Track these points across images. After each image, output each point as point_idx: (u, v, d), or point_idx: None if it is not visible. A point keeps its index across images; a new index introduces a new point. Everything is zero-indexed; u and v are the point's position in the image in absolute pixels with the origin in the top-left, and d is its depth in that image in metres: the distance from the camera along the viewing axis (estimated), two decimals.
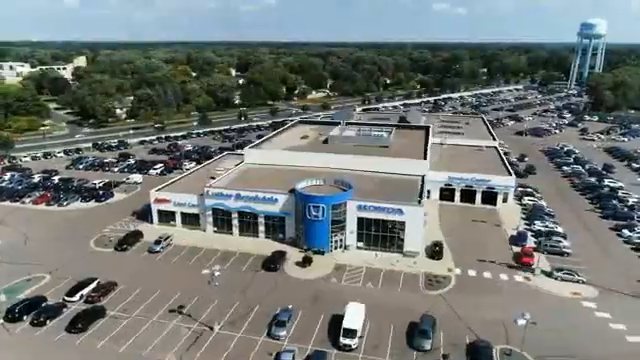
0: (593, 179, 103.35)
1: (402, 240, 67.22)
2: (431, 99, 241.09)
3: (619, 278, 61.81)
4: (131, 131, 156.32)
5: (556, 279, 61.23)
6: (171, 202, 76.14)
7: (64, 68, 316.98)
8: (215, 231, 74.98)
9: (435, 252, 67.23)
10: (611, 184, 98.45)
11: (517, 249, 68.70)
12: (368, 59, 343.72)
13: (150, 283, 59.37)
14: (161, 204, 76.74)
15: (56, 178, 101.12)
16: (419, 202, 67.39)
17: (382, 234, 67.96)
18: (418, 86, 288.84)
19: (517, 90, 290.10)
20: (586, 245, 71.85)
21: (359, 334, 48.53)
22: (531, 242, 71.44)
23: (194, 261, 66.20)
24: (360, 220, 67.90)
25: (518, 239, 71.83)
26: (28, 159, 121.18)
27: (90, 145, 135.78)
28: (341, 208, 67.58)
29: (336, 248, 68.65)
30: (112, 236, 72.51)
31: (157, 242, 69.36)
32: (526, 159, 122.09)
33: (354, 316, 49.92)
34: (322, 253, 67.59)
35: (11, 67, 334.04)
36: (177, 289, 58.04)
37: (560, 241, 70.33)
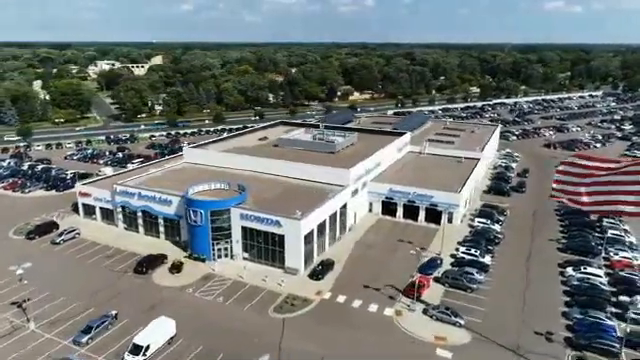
0: None
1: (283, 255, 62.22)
2: (479, 104, 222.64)
3: (513, 326, 51.19)
4: (142, 126, 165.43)
5: (431, 317, 52.37)
6: (91, 196, 78.25)
7: (142, 66, 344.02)
8: (125, 228, 75.62)
9: (317, 271, 61.21)
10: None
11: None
12: (431, 60, 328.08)
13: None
14: (84, 198, 79.17)
15: (40, 167, 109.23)
16: (301, 215, 61.39)
17: (265, 246, 63.42)
18: (475, 89, 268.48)
19: (591, 96, 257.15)
20: (507, 282, 60.62)
21: (150, 351, 45.43)
22: (439, 272, 62.06)
23: (82, 256, 67.15)
24: (244, 229, 63.98)
25: (427, 267, 62.84)
26: (41, 147, 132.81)
27: (104, 137, 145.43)
28: (224, 215, 64.21)
29: (220, 257, 65.45)
30: (33, 225, 76.26)
31: (60, 234, 71.66)
32: (527, 175, 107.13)
33: (152, 331, 46.84)
34: (203, 260, 64.84)
35: (95, 64, 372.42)
36: (42, 281, 59.12)
37: (471, 274, 60.03)
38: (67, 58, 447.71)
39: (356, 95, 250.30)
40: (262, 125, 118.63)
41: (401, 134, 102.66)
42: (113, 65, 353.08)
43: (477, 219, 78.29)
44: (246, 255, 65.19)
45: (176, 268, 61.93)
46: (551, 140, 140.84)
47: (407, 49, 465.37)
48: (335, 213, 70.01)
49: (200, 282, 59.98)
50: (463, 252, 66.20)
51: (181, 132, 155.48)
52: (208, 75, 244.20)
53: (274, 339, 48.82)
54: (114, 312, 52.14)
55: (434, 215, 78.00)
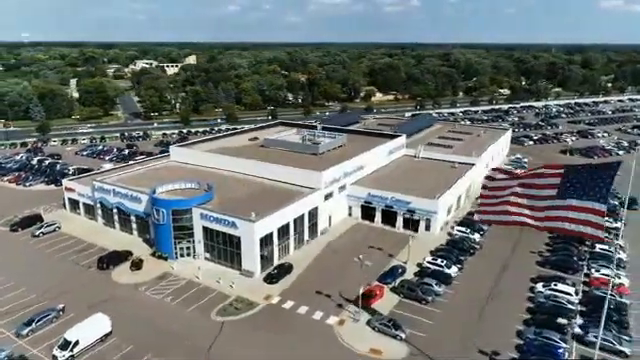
0: None
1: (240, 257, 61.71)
2: (505, 107, 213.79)
3: (458, 343, 48.37)
4: (155, 124, 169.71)
5: (373, 328, 50.34)
6: (75, 192, 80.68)
7: (175, 66, 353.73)
8: (104, 224, 77.48)
9: (272, 275, 60.34)
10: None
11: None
12: (463, 61, 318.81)
13: None
14: (70, 193, 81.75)
15: (47, 162, 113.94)
16: (256, 217, 60.51)
17: (224, 247, 63.12)
18: (506, 91, 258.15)
19: (631, 100, 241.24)
20: (470, 296, 57.46)
21: (79, 347, 46.06)
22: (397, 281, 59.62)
23: (55, 249, 69.15)
24: (205, 230, 63.96)
25: (387, 275, 60.56)
26: (57, 143, 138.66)
27: (118, 134, 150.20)
28: (186, 214, 64.42)
29: (182, 255, 65.75)
30: (19, 217, 79.46)
31: (40, 227, 74.30)
32: None
33: (84, 328, 47.46)
34: (165, 258, 65.34)
35: (135, 64, 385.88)
36: (10, 271, 61.42)
37: (429, 285, 57.29)
38: (110, 57, 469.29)
39: (379, 96, 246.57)
40: (260, 125, 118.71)
41: (395, 137, 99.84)
42: (150, 64, 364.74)
43: (457, 227, 74.86)
44: (207, 255, 65.18)
45: (135, 265, 62.69)
46: (568, 146, 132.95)
47: (447, 49, 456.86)
48: (302, 216, 68.79)
49: (155, 281, 60.41)
50: (429, 262, 63.34)
51: (192, 130, 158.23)
52: (232, 75, 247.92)
53: (207, 342, 48.38)
54: (61, 306, 53.36)
55: (412, 222, 75.28)
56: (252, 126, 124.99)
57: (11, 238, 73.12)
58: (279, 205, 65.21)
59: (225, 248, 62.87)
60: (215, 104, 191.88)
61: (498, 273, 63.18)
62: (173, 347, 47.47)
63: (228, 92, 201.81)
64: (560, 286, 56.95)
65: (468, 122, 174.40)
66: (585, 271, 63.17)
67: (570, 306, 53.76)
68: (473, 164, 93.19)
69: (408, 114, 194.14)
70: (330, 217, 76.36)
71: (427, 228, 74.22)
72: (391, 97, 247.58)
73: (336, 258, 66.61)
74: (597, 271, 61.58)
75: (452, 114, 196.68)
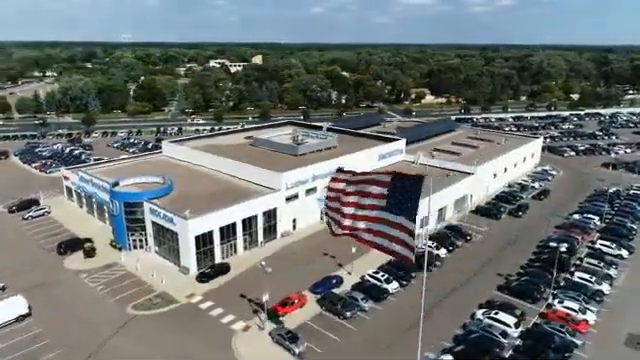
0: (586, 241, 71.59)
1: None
2: (565, 113, 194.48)
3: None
4: (189, 120, 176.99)
5: (272, 339, 47.97)
6: (70, 180, 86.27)
7: (239, 65, 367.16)
8: (87, 212, 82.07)
9: (205, 274, 60.00)
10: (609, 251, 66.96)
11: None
12: (536, 63, 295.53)
13: None
14: (66, 181, 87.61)
15: (76, 151, 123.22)
16: (191, 215, 60.21)
17: (169, 243, 63.89)
18: (575, 96, 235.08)
19: None
20: (398, 316, 52.86)
21: None
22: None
23: (34, 232, 74.44)
24: (154, 224, 65.19)
25: (319, 285, 57.53)
26: (98, 135, 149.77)
27: (155, 129, 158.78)
28: (138, 207, 66.10)
29: (135, 247, 67.58)
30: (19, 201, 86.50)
31: (30, 211, 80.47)
32: (542, 198, 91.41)
33: None
34: (120, 249, 67.60)
35: (208, 62, 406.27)
36: None
37: (354, 300, 53.47)
38: (190, 57, 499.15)
39: (430, 99, 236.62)
40: (270, 124, 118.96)
41: (391, 140, 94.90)
42: (221, 64, 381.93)
43: (423, 241, 69.18)
44: (157, 249, 66.46)
45: (87, 253, 65.51)
46: (612, 159, 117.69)
47: (533, 50, 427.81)
48: (255, 217, 67.65)
49: (99, 269, 62.64)
50: (369, 275, 59.18)
51: (224, 127, 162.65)
52: (286, 74, 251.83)
53: (107, 335, 49.15)
54: (1, 285, 57.25)
55: None
56: (270, 124, 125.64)
57: (4, 219, 79.99)
58: (228, 203, 64.76)
59: (169, 243, 63.67)
60: (255, 102, 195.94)
61: (445, 294, 57.36)
62: (75, 336, 48.79)
63: (271, 91, 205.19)
64: (501, 315, 50.34)
65: (514, 128, 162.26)
66: (550, 301, 55.27)
67: (502, 339, 47.26)
68: (471, 174, 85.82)
69: (452, 118, 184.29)
70: (295, 220, 74.35)
71: None
72: (444, 100, 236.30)
73: (281, 262, 64.46)
74: (560, 302, 53.58)
75: (501, 119, 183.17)
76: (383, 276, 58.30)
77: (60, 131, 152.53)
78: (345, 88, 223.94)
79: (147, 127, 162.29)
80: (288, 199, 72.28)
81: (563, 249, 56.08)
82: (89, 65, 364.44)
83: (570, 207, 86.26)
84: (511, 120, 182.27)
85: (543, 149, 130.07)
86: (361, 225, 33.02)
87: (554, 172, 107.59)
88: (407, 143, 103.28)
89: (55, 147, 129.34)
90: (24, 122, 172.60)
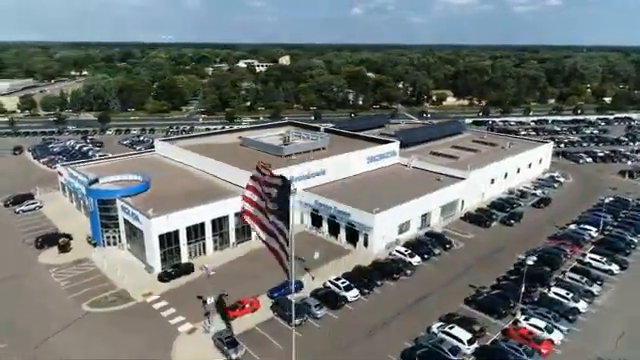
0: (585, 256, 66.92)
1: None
2: (593, 117, 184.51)
3: None
4: (200, 119, 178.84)
5: (214, 342, 46.99)
6: (63, 176, 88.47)
7: (265, 65, 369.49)
8: (76, 207, 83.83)
9: (166, 274, 59.81)
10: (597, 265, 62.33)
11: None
12: (569, 65, 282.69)
13: None
14: (60, 177, 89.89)
15: (85, 148, 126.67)
16: (154, 213, 60.03)
17: (139, 241, 64.08)
18: (607, 99, 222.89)
19: None
20: (352, 325, 50.95)
21: None
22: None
23: (21, 225, 76.50)
24: (125, 221, 65.70)
25: (276, 289, 56.07)
26: (112, 132, 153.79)
27: (167, 127, 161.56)
28: (111, 205, 66.78)
29: (109, 244, 68.30)
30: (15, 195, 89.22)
31: (22, 205, 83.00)
32: (541, 206, 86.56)
33: None
34: (94, 245, 68.53)
35: (233, 64, 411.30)
36: None
37: (307, 306, 51.78)
38: (222, 57, 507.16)
39: (451, 100, 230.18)
40: (270, 124, 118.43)
41: (385, 142, 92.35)
42: (250, 64, 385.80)
43: (398, 247, 66.59)
44: (129, 246, 66.93)
45: (61, 248, 66.69)
46: (629, 166, 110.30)
47: (576, 52, 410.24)
48: (226, 217, 67.03)
49: (69, 265, 63.57)
50: (330, 281, 57.31)
51: (234, 127, 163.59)
52: (308, 75, 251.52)
53: (57, 329, 49.59)
54: None
55: (353, 235, 68.94)
56: (271, 123, 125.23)
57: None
58: (196, 203, 64.47)
59: (139, 241, 63.92)
60: (269, 103, 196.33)
61: (409, 303, 54.86)
62: (23, 330, 49.49)
63: (287, 91, 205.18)
64: (456, 330, 47.46)
65: (532, 132, 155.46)
66: (524, 316, 51.58)
67: (451, 356, 44.46)
68: (463, 178, 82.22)
69: (468, 120, 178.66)
70: None
71: (365, 244, 67.37)
72: (466, 102, 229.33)
73: (251, 265, 63.60)
74: (526, 319, 50.06)
75: (521, 123, 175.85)
76: (343, 283, 56.32)
77: (76, 128, 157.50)
78: (363, 88, 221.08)
79: (162, 126, 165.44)
80: None
81: (530, 262, 52.21)
82: (121, 65, 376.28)
83: (570, 217, 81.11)
84: (532, 124, 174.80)
85: (557, 154, 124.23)
86: (260, 226, 32.48)
87: (562, 179, 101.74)
88: (406, 145, 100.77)
89: (67, 144, 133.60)
90: (47, 119, 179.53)
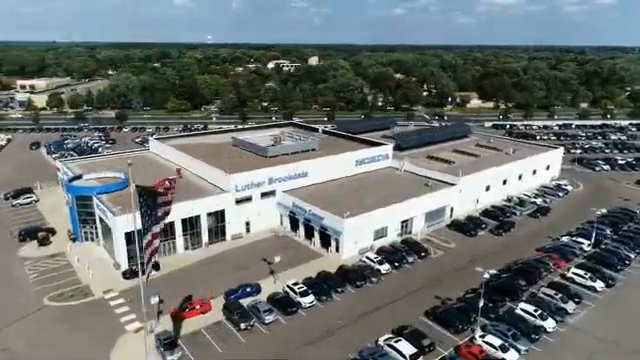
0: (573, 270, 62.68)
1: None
2: (624, 122, 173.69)
3: None
4: (214, 118, 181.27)
5: (155, 342, 46.83)
6: (61, 171, 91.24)
7: (291, 65, 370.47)
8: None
9: (130, 271, 60.30)
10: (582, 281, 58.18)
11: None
12: (607, 67, 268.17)
13: None
14: (59, 172, 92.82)
15: (96, 145, 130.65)
16: (120, 211, 60.56)
17: (110, 237, 65.05)
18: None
19: None
20: (298, 330, 49.55)
21: None
22: None
23: (13, 219, 79.48)
24: (101, 218, 66.83)
25: (232, 292, 55.41)
26: (128, 130, 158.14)
27: (182, 126, 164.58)
28: (89, 201, 68.09)
29: (87, 239, 69.77)
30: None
31: (19, 199, 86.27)
32: (537, 215, 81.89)
33: None
34: (74, 240, 70.13)
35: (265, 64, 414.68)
36: None
37: (255, 310, 50.79)
38: (255, 57, 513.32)
39: (476, 102, 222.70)
40: (273, 123, 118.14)
41: (377, 144, 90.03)
42: (280, 64, 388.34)
43: (368, 253, 64.48)
44: (104, 243, 68.08)
45: (40, 242, 68.62)
46: None
47: (626, 52, 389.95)
48: (198, 217, 66.98)
49: (45, 258, 65.29)
50: (289, 286, 56.03)
51: (246, 126, 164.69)
52: (331, 75, 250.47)
53: (9, 322, 50.79)
54: None
55: (328, 240, 67.38)
56: (273, 123, 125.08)
57: None
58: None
59: (111, 238, 64.86)
60: (286, 103, 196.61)
61: (367, 312, 52.89)
62: None
63: (304, 92, 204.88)
64: (401, 344, 45.19)
65: (553, 137, 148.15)
66: (480, 332, 48.70)
67: None
68: (453, 184, 78.96)
69: (488, 124, 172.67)
70: (248, 223, 72.70)
71: (337, 249, 65.70)
72: (491, 104, 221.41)
73: (215, 266, 63.41)
74: (481, 337, 47.13)
75: (545, 127, 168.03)
76: (300, 288, 54.95)
77: (95, 125, 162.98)
78: (383, 89, 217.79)
79: (177, 124, 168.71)
80: (239, 201, 70.80)
81: (486, 276, 48.97)
82: (149, 65, 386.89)
83: (567, 228, 76.36)
84: (556, 128, 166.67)
85: (573, 161, 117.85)
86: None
87: (569, 187, 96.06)
88: (403, 149, 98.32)
89: (82, 140, 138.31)
90: (71, 117, 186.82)
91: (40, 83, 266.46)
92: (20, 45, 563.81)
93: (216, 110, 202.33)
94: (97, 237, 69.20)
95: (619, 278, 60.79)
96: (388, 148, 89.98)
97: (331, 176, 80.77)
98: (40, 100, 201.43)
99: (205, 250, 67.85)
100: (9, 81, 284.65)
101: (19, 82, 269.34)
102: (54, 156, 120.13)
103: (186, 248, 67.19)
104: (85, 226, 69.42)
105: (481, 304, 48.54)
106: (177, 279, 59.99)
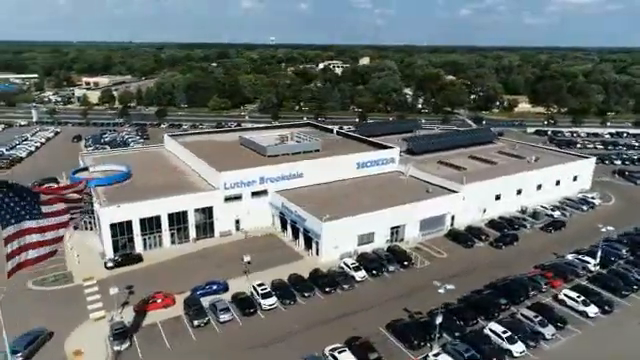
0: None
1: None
2: None
3: None
4: (247, 117, 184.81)
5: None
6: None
7: (341, 66, 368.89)
8: None
9: (112, 260, 62.70)
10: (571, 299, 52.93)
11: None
12: None
13: None
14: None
15: (129, 139, 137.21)
16: (105, 203, 62.99)
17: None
18: None
19: None
20: (256, 330, 48.98)
21: None
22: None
23: None
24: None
25: (198, 288, 55.76)
26: (165, 126, 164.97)
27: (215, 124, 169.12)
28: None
29: (86, 228, 73.17)
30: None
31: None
32: (550, 230, 75.47)
33: None
34: (75, 228, 73.61)
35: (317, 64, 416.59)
36: None
37: (213, 309, 50.82)
38: (309, 57, 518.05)
39: (525, 106, 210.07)
40: (291, 124, 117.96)
41: (383, 147, 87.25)
42: (330, 65, 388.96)
43: (346, 259, 62.43)
44: (99, 232, 71.14)
45: None
46: None
47: None
48: (185, 212, 68.22)
49: None
50: (254, 287, 55.42)
51: (278, 124, 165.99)
52: (377, 76, 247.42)
53: None
54: None
55: (311, 243, 66.24)
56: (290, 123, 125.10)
57: None
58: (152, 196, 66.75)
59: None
60: (324, 104, 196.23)
61: (328, 319, 51.23)
62: None
63: (343, 93, 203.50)
64: (343, 355, 43.28)
65: (600, 146, 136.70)
66: (435, 351, 45.59)
67: None
68: (455, 192, 74.87)
69: (531, 129, 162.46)
70: (238, 221, 73.03)
71: (317, 252, 64.35)
72: (542, 109, 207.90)
73: (200, 261, 64.27)
74: (435, 355, 44.05)
75: (595, 135, 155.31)
76: (264, 290, 54.30)
77: (136, 121, 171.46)
78: (425, 91, 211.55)
79: (212, 122, 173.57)
80: (228, 199, 71.30)
81: (442, 291, 45.48)
82: (214, 64, 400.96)
83: (580, 245, 69.78)
84: (607, 136, 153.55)
85: (613, 173, 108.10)
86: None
87: (597, 201, 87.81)
88: (416, 153, 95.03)
89: (118, 135, 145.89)
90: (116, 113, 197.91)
91: (103, 80, 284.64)
92: (102, 45, 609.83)
93: (254, 109, 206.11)
94: (95, 227, 72.52)
95: (621, 304, 54.78)
96: (394, 151, 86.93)
97: (329, 178, 79.27)
98: (94, 96, 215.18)
99: (191, 245, 68.98)
100: (77, 78, 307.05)
101: (84, 79, 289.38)
102: (90, 149, 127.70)
103: (172, 242, 68.68)
104: (84, 216, 72.96)
105: (439, 321, 45.31)
106: (156, 272, 61.45)
